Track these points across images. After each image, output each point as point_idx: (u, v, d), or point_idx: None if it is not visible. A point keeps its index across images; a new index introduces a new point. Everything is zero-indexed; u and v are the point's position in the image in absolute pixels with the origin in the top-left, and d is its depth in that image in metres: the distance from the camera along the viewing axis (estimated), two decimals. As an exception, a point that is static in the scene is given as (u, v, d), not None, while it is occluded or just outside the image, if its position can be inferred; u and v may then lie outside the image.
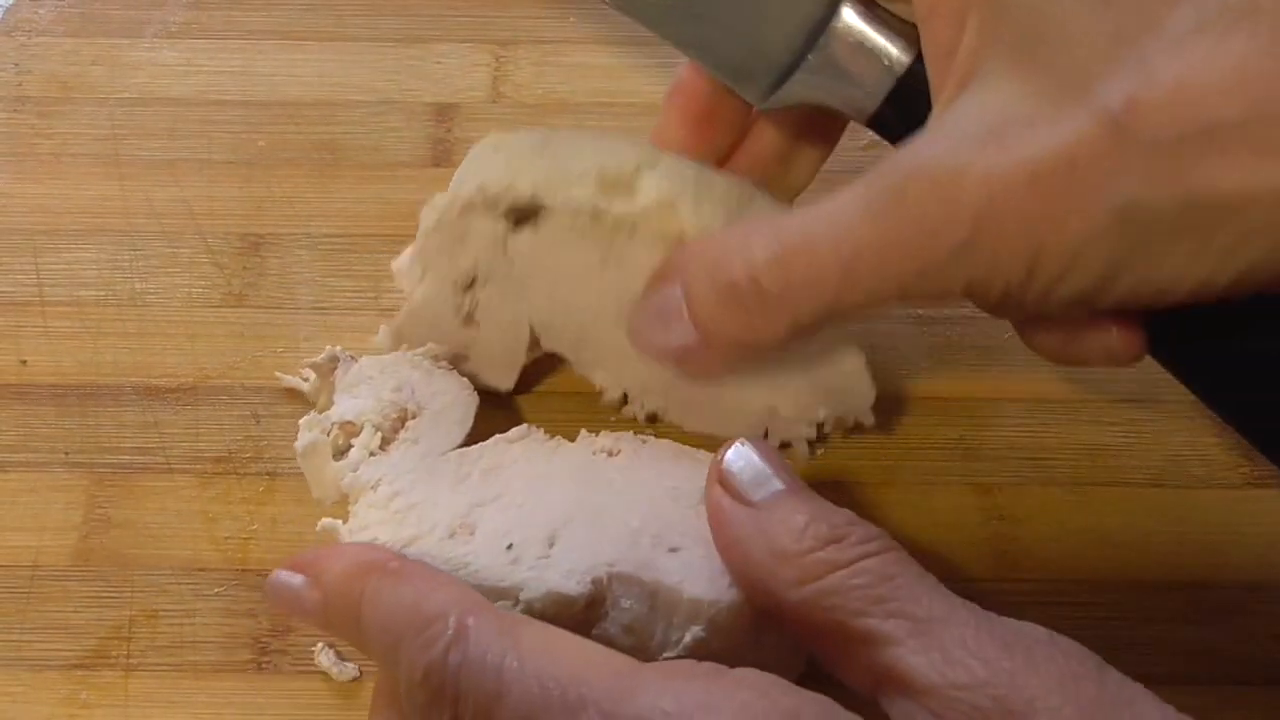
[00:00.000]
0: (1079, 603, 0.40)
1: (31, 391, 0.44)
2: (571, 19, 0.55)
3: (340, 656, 0.39)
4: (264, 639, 0.39)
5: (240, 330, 0.46)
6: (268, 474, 0.43)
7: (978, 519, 0.42)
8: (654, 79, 0.53)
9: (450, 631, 0.29)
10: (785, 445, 0.43)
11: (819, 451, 0.44)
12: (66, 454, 0.43)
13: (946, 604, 0.29)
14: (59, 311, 0.46)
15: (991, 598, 0.30)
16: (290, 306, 0.47)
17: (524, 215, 0.40)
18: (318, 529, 0.37)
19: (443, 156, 0.51)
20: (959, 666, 0.28)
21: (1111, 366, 0.36)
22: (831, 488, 0.41)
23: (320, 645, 0.39)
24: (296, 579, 0.33)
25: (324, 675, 0.38)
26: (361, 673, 0.38)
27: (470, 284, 0.42)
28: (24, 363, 0.45)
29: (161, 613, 0.40)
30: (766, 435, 0.42)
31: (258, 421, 0.44)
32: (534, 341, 0.43)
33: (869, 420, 0.42)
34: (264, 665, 0.39)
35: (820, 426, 0.42)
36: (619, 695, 0.28)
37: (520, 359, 0.43)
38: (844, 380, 0.41)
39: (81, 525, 0.41)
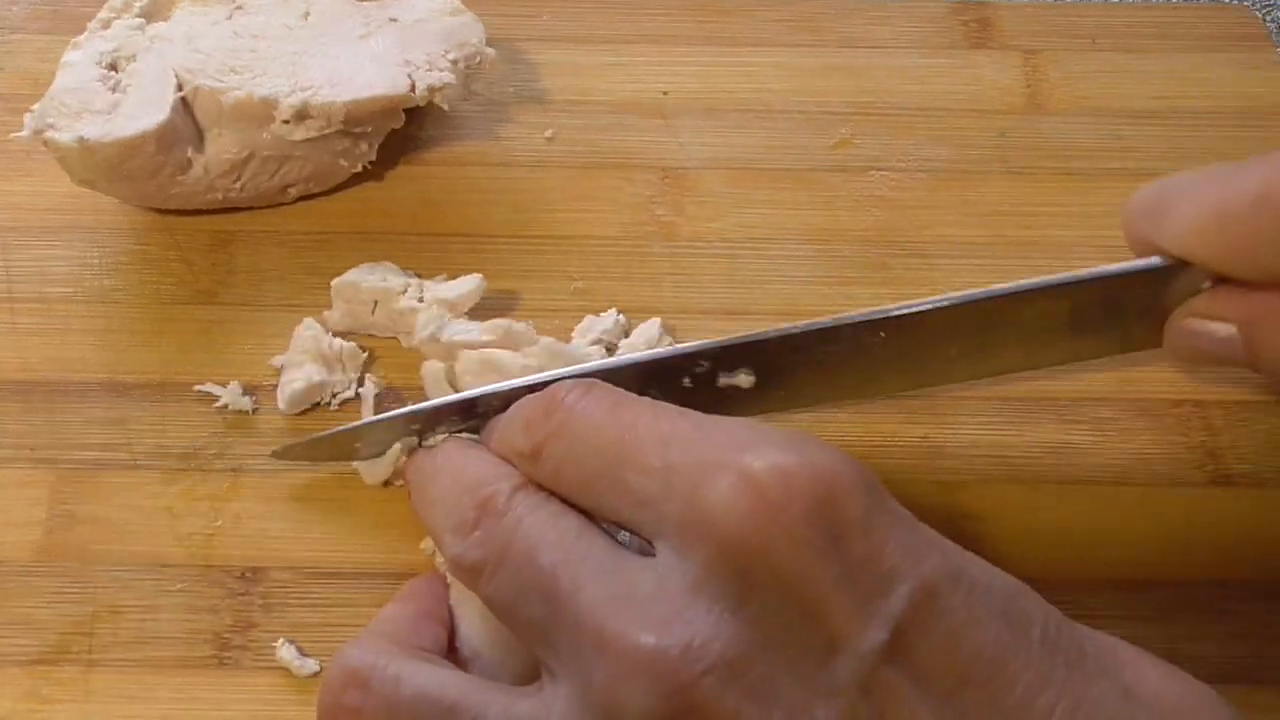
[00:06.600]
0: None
1: (-3, 387, 0.44)
2: (545, 17, 0.55)
3: (301, 652, 0.39)
4: (225, 635, 0.39)
5: (208, 327, 0.46)
6: (232, 470, 0.43)
7: (943, 517, 0.42)
8: (623, 78, 0.54)
9: None
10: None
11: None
12: (31, 450, 0.43)
13: None
14: (27, 308, 0.46)
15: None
16: (259, 304, 0.47)
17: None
18: None
19: (414, 156, 0.51)
20: None
21: None
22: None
23: (281, 641, 0.39)
24: None
25: (285, 670, 0.38)
26: (322, 667, 0.38)
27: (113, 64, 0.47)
28: (-10, 359, 0.45)
29: (124, 608, 0.40)
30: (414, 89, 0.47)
31: (224, 418, 0.44)
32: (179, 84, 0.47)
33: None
34: (225, 661, 0.39)
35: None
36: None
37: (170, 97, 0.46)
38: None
39: (45, 521, 0.41)
